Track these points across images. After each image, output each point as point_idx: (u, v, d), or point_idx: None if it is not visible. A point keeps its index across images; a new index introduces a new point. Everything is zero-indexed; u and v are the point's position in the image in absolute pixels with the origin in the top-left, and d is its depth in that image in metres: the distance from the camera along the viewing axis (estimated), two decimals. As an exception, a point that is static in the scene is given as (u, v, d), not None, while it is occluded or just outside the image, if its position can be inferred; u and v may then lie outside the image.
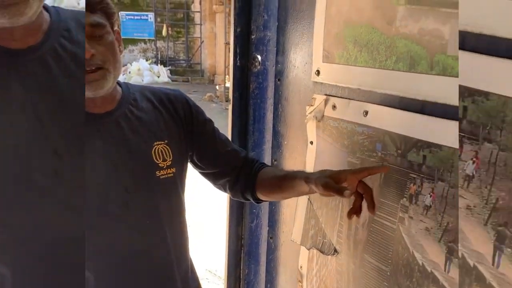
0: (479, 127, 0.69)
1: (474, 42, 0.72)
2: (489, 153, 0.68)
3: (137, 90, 1.17)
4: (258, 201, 1.27)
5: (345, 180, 0.97)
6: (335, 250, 1.15)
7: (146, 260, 1.12)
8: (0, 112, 0.83)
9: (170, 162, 1.13)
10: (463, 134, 0.71)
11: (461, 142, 0.71)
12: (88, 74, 0.99)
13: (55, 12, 0.93)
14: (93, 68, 1.00)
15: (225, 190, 1.30)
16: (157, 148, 1.12)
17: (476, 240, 0.71)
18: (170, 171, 1.13)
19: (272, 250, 1.49)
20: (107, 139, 1.07)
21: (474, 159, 0.71)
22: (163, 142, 1.13)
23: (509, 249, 0.66)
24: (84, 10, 0.93)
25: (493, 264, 0.68)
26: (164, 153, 1.13)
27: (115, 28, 1.07)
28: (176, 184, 1.17)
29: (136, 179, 1.09)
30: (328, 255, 1.17)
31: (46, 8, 0.95)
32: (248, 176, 1.24)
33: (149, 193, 1.11)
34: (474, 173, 0.71)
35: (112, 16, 1.05)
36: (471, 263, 0.72)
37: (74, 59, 0.91)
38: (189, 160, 1.24)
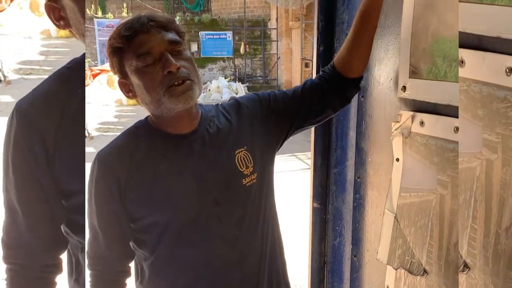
0: None
1: None
2: None
3: (211, 108, 1.23)
4: (349, 82, 1.23)
5: None
6: (425, 271, 1.11)
7: (238, 270, 1.15)
8: (178, 179, 1.13)
9: (252, 168, 1.16)
10: None
11: None
12: (177, 87, 1.05)
13: (202, 107, 1.23)
14: (180, 81, 1.05)
15: (332, 108, 1.28)
16: (239, 155, 1.16)
17: None
18: (253, 177, 1.16)
19: (356, 269, 1.47)
20: (196, 155, 1.13)
21: None
22: (243, 149, 1.17)
23: None
24: (227, 101, 1.29)
25: None
26: (245, 159, 1.16)
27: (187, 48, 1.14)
28: (261, 188, 1.19)
29: (224, 190, 1.13)
30: (417, 275, 1.13)
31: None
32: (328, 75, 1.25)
33: (237, 203, 1.14)
34: None
35: (183, 35, 1.13)
36: None
37: (218, 135, 1.19)
38: (295, 131, 1.27)
